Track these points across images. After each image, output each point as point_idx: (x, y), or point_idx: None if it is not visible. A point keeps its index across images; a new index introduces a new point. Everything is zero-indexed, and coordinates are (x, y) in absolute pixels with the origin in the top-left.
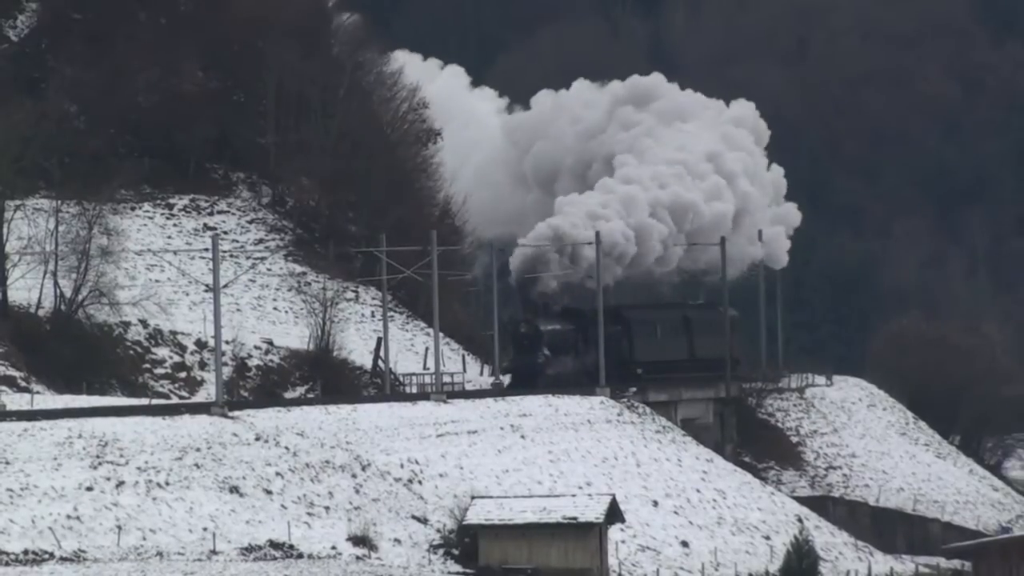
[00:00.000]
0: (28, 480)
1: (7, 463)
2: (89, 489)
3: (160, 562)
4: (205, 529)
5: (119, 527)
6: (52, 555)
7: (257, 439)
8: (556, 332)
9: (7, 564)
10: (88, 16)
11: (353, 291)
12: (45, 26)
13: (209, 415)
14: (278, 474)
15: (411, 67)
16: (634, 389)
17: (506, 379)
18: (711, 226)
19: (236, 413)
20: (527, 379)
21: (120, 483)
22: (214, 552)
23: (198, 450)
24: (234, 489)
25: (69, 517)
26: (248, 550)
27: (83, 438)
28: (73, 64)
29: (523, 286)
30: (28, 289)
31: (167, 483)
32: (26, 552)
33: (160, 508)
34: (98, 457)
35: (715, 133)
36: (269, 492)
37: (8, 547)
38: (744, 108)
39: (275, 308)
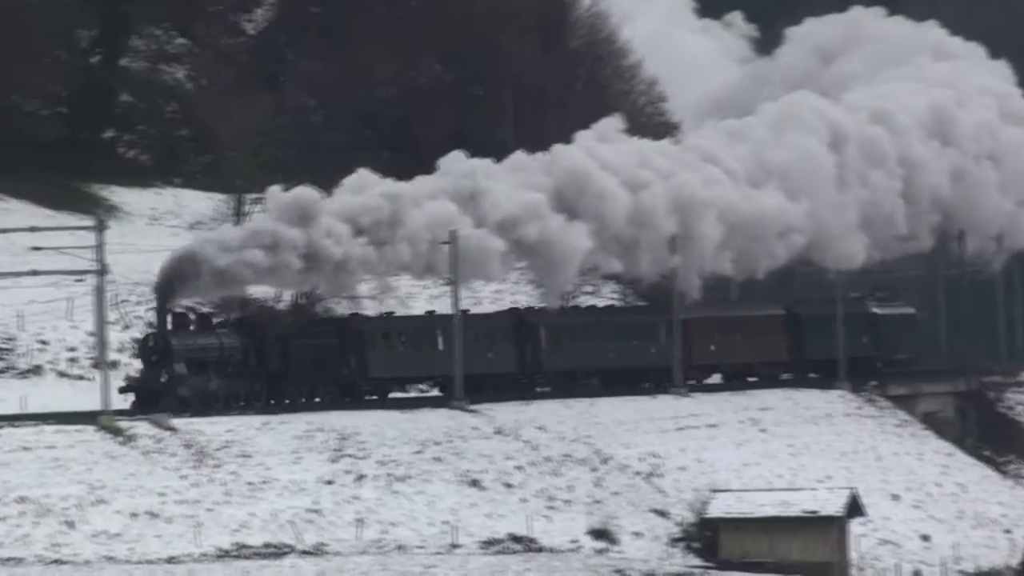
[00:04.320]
0: (268, 473)
1: (248, 456)
2: (329, 483)
3: (400, 555)
4: (445, 522)
5: (359, 520)
6: (293, 548)
7: (497, 433)
8: (201, 347)
9: (248, 558)
10: (325, 9)
11: (592, 285)
12: (282, 20)
13: (449, 409)
14: (518, 468)
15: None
16: (874, 383)
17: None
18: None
19: (476, 407)
20: (148, 399)
21: (360, 476)
22: (454, 545)
23: (438, 444)
24: (474, 483)
25: (309, 510)
26: (488, 543)
27: (323, 432)
28: (310, 58)
29: (163, 292)
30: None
31: (407, 476)
32: (266, 545)
33: (400, 501)
34: (338, 451)
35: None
36: (509, 486)
37: (249, 540)
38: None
39: (513, 302)
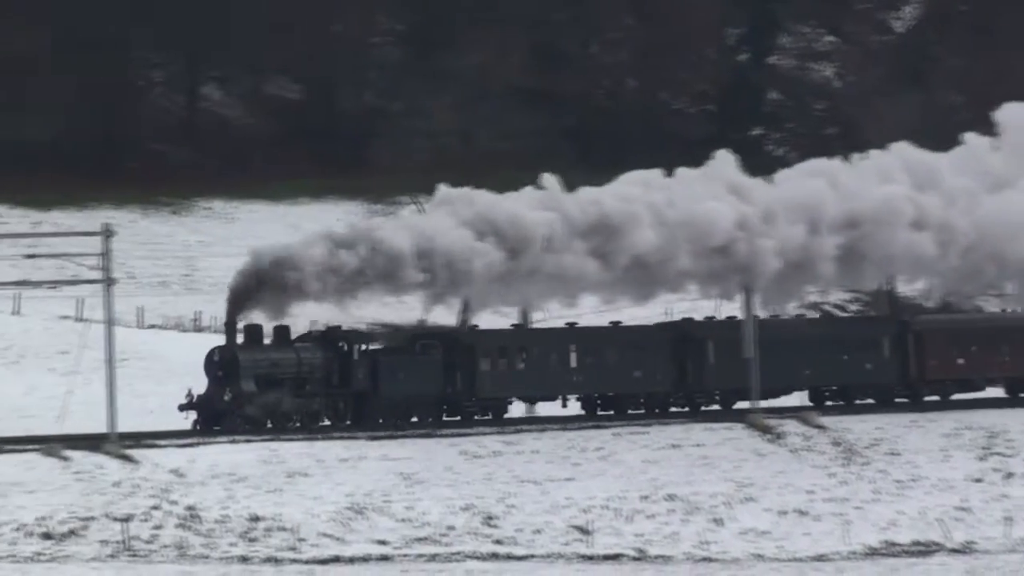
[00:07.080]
0: (917, 471)
1: (896, 454)
2: (977, 480)
3: None
4: None
5: (1008, 519)
6: (941, 546)
7: None
8: (272, 363)
9: (896, 555)
10: (974, 6)
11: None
12: (931, 17)
13: None
14: None
15: None
16: None
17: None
18: None
19: None
20: (210, 418)
21: (1008, 475)
22: None
23: None
24: None
25: (957, 508)
26: None
27: (970, 430)
28: (959, 55)
29: (237, 298)
30: None
31: None
32: (915, 543)
33: None
34: (986, 448)
35: None
36: None
37: (897, 538)
38: None
39: None
